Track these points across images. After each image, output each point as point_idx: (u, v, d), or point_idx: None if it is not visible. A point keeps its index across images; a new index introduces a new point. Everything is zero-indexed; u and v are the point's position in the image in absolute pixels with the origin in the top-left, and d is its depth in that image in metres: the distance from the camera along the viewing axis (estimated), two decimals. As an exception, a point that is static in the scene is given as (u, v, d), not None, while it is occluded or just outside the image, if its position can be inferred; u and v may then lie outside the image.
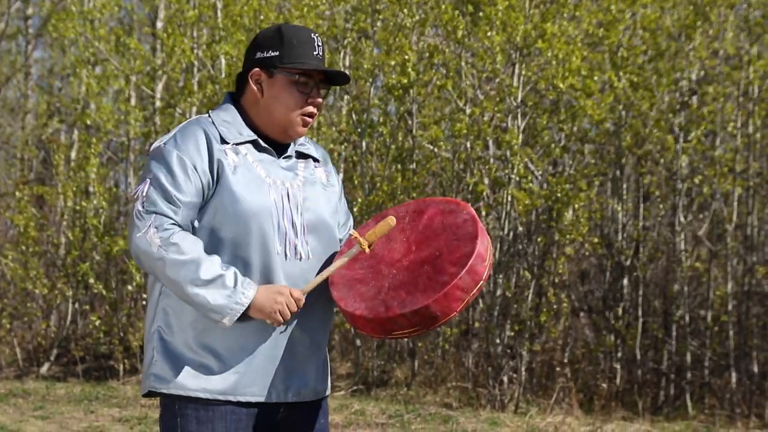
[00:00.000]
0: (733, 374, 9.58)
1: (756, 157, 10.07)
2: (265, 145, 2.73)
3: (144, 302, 10.21)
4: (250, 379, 2.65)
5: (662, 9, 9.74)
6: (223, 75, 9.96)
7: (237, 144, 2.69)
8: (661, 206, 10.40)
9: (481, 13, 8.96)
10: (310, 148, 2.85)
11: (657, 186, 10.33)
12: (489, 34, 8.92)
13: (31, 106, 14.78)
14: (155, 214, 2.59)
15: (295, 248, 2.68)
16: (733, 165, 9.84)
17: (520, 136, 9.05)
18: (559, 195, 8.91)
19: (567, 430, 7.68)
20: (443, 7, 9.09)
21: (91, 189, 10.71)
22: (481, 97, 9.34)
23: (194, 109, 9.96)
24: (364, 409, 8.10)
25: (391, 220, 2.68)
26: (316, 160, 2.85)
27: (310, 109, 2.73)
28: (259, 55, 2.72)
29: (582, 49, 9.07)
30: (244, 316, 2.58)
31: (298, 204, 2.71)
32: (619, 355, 9.67)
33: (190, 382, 2.63)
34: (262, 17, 9.91)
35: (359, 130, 9.58)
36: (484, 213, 9.17)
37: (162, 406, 2.71)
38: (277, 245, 2.65)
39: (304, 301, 2.62)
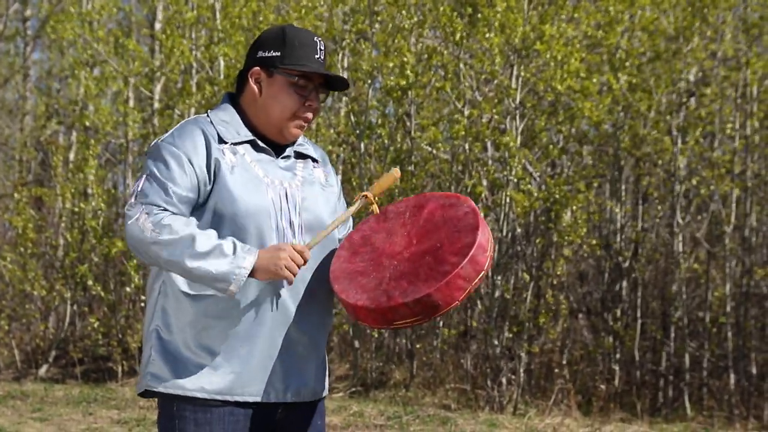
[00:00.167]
0: (732, 376, 9.58)
1: (754, 159, 10.07)
2: (263, 145, 2.73)
3: (143, 304, 10.21)
4: (248, 379, 2.64)
5: (660, 11, 9.73)
6: (222, 77, 9.96)
7: (235, 144, 2.70)
8: (659, 208, 10.40)
9: (479, 15, 8.96)
10: (309, 149, 2.85)
11: (655, 187, 10.34)
12: (487, 35, 8.92)
13: (29, 107, 14.77)
14: (147, 204, 2.58)
15: (294, 249, 2.68)
16: (732, 167, 9.85)
17: (519, 138, 9.05)
18: (557, 196, 8.91)
19: (565, 432, 7.68)
20: (441, 8, 9.09)
21: (89, 191, 10.71)
22: (480, 98, 9.34)
23: (193, 110, 9.96)
24: (362, 411, 8.10)
25: (396, 173, 2.70)
26: (314, 160, 2.85)
27: (307, 112, 2.73)
28: (260, 54, 2.72)
29: (581, 51, 9.07)
30: (249, 288, 2.57)
31: (296, 204, 2.71)
32: (618, 356, 9.68)
33: (188, 382, 2.63)
34: (260, 18, 9.92)
35: (358, 131, 9.58)
36: (482, 215, 9.16)
37: (160, 408, 2.70)
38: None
39: (309, 254, 2.60)
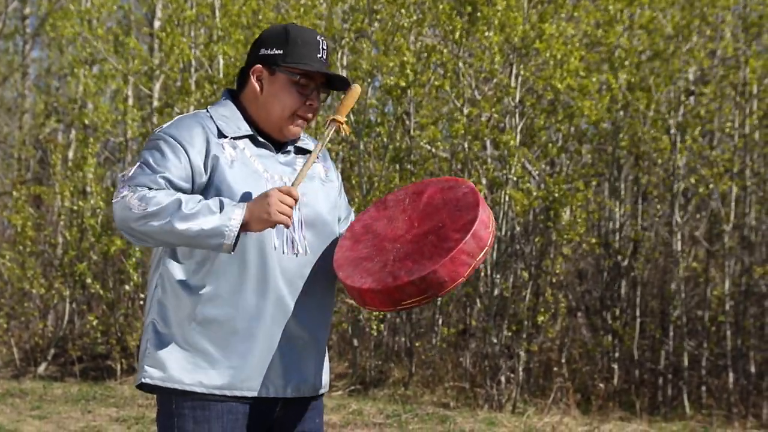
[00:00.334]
0: (731, 374, 9.58)
1: (753, 158, 10.07)
2: (263, 140, 2.73)
3: (141, 302, 10.21)
4: (247, 374, 2.64)
5: (659, 9, 9.73)
6: (221, 75, 9.96)
7: (235, 138, 2.69)
8: (658, 206, 10.40)
9: (479, 14, 8.95)
10: (309, 144, 2.84)
11: (654, 186, 10.34)
12: (487, 34, 8.92)
13: (28, 105, 14.76)
14: (134, 185, 2.56)
15: (293, 243, 2.67)
16: (731, 165, 9.85)
17: (518, 137, 9.05)
18: (556, 195, 8.91)
19: (564, 430, 7.68)
20: (441, 7, 9.08)
21: (88, 189, 10.70)
22: (479, 97, 9.34)
23: (192, 108, 9.95)
24: (361, 409, 8.10)
25: (356, 88, 2.69)
26: (315, 155, 2.85)
27: (308, 112, 2.73)
28: (262, 51, 2.72)
29: (580, 50, 9.07)
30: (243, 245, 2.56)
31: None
32: (617, 355, 9.68)
33: (186, 376, 2.62)
34: (260, 17, 9.92)
35: (357, 129, 9.58)
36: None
37: (159, 405, 2.69)
38: (275, 240, 2.65)
39: (297, 192, 2.56)
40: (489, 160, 9.40)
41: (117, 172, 13.18)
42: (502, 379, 8.88)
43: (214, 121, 2.70)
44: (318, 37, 2.74)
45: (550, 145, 9.39)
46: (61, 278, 10.62)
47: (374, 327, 9.36)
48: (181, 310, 2.64)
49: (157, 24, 11.28)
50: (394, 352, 10.08)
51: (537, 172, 9.54)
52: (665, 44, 9.71)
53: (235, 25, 9.88)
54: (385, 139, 9.68)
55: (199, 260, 2.64)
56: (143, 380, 2.66)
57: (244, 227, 2.53)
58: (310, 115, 2.74)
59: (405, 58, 9.07)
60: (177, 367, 2.62)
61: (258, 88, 2.72)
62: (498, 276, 9.15)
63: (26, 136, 14.05)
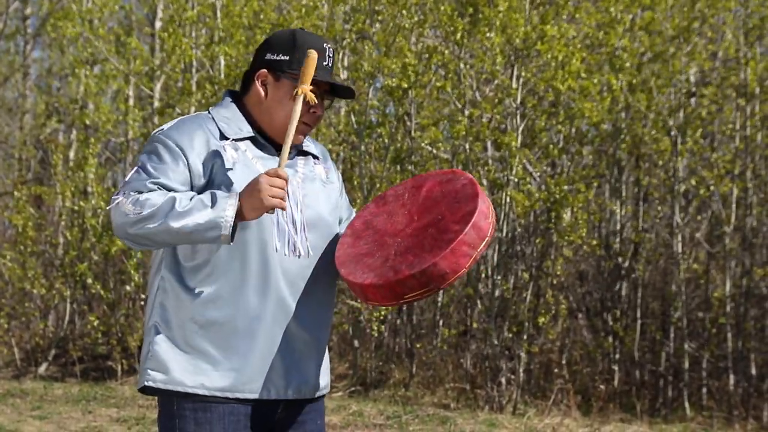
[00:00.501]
0: (731, 376, 9.58)
1: (755, 160, 10.07)
2: (264, 142, 2.73)
3: (142, 303, 10.21)
4: (248, 376, 2.64)
5: (658, 12, 9.73)
6: (222, 76, 9.96)
7: (236, 140, 2.69)
8: (659, 208, 10.40)
9: (480, 15, 8.95)
10: (310, 146, 2.85)
11: (655, 188, 10.34)
12: (488, 35, 8.92)
13: (29, 106, 14.76)
14: (129, 190, 2.57)
15: (295, 245, 2.68)
16: (732, 167, 9.84)
17: (519, 138, 9.05)
18: (557, 196, 8.91)
19: (565, 432, 7.68)
20: (442, 8, 9.08)
21: (89, 189, 10.70)
22: (480, 98, 9.34)
23: (193, 109, 9.96)
24: (361, 410, 8.10)
25: (311, 53, 2.61)
26: (315, 157, 2.85)
27: (310, 119, 2.72)
28: (269, 56, 2.71)
29: (581, 51, 9.07)
30: (241, 233, 2.57)
31: (297, 201, 2.70)
32: (617, 356, 9.68)
33: (188, 379, 2.62)
34: (261, 17, 9.92)
35: (358, 130, 9.58)
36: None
37: (160, 406, 2.69)
38: (276, 242, 2.65)
39: (284, 172, 2.56)
40: (490, 161, 9.39)
41: (118, 173, 13.19)
42: (503, 380, 8.88)
43: (215, 123, 2.70)
44: (324, 44, 2.73)
45: (551, 146, 9.39)
46: (62, 278, 10.62)
47: (375, 328, 9.35)
48: (182, 312, 2.64)
49: (158, 24, 11.29)
50: (394, 353, 10.08)
51: (538, 173, 9.54)
52: (666, 46, 9.71)
53: (236, 26, 9.88)
54: (386, 140, 9.68)
55: (200, 262, 2.64)
56: (146, 383, 2.66)
57: (240, 216, 2.54)
58: (310, 125, 2.74)
59: (406, 60, 9.07)
60: (179, 369, 2.62)
61: (262, 93, 2.72)
62: (499, 277, 9.15)
63: (27, 137, 14.05)
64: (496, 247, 9.21)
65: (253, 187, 2.53)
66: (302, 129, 2.72)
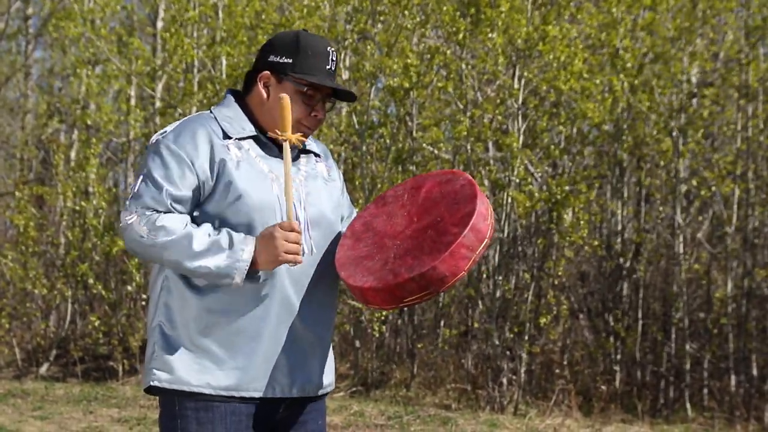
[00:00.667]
0: (733, 377, 9.58)
1: (756, 160, 10.06)
2: (267, 141, 2.73)
3: (144, 303, 10.21)
4: (253, 375, 2.64)
5: (659, 12, 9.73)
6: (224, 76, 9.96)
7: (240, 139, 2.69)
8: (660, 208, 10.39)
9: (482, 15, 8.95)
10: (311, 144, 2.85)
11: (657, 188, 10.33)
12: (490, 36, 8.92)
13: (30, 106, 14.77)
14: (140, 206, 2.59)
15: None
16: (734, 168, 9.84)
17: (521, 138, 9.05)
18: (559, 197, 8.91)
19: (566, 432, 7.68)
20: (444, 8, 9.08)
21: (90, 189, 10.71)
22: (482, 99, 9.34)
23: (194, 109, 9.96)
24: (363, 411, 8.10)
25: (284, 98, 2.61)
26: (317, 155, 2.86)
27: (312, 122, 2.73)
28: (272, 58, 2.71)
29: (583, 52, 9.06)
30: (254, 274, 2.59)
31: (301, 199, 2.71)
32: (619, 357, 9.67)
33: (193, 378, 2.62)
34: (263, 18, 9.92)
35: (359, 131, 9.58)
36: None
37: (161, 406, 2.69)
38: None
39: (297, 224, 2.58)
40: (491, 161, 9.39)
41: (119, 173, 13.20)
42: (504, 380, 8.88)
43: (218, 123, 2.70)
44: (328, 47, 2.73)
45: (553, 147, 9.39)
46: (63, 279, 10.62)
47: (376, 328, 9.35)
48: (187, 311, 2.64)
49: (160, 24, 11.29)
50: (395, 353, 10.08)
51: (539, 173, 9.54)
52: (667, 46, 9.70)
53: (238, 26, 9.88)
54: (387, 141, 9.68)
55: (204, 262, 2.65)
56: (152, 383, 2.66)
57: (254, 265, 2.57)
58: (311, 128, 2.74)
59: (408, 60, 9.07)
60: (184, 369, 2.63)
61: (264, 95, 2.72)
62: (500, 278, 9.15)
63: (29, 137, 14.05)
64: (498, 247, 9.21)
65: (270, 243, 2.55)
66: (304, 132, 2.72)
